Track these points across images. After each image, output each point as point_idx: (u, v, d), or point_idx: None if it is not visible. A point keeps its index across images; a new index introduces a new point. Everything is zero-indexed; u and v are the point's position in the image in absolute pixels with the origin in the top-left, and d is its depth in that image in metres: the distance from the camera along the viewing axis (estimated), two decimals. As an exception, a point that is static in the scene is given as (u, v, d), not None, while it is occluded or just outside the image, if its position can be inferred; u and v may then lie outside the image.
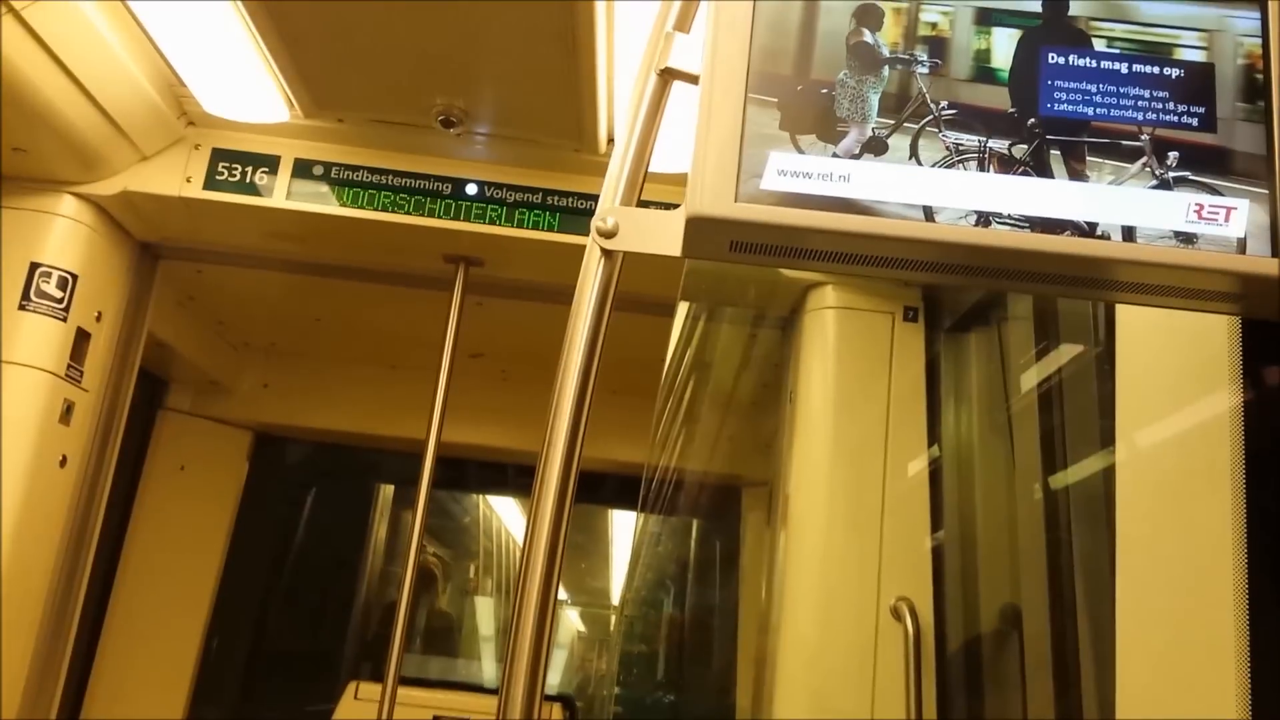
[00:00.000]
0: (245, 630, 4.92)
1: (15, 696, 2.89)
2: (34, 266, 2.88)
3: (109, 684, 4.25)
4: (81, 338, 2.99)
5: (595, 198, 1.16)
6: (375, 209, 2.97)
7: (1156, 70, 1.07)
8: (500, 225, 2.99)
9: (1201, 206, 1.03)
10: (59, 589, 3.04)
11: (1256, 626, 1.20)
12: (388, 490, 5.98)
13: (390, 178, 2.99)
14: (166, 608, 4.45)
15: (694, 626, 5.39)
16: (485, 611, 6.99)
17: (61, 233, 2.94)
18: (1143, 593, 1.42)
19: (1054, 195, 1.04)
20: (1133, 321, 1.52)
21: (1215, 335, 1.32)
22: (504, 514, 7.83)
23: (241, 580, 4.78)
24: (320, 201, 2.98)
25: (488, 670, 6.23)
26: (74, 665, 3.60)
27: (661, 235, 1.11)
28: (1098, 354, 2.20)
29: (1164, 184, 1.04)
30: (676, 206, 1.07)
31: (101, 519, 3.22)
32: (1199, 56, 1.07)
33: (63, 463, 2.97)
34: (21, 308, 2.85)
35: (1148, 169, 1.05)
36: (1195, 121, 1.05)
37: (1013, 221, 1.03)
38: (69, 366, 2.95)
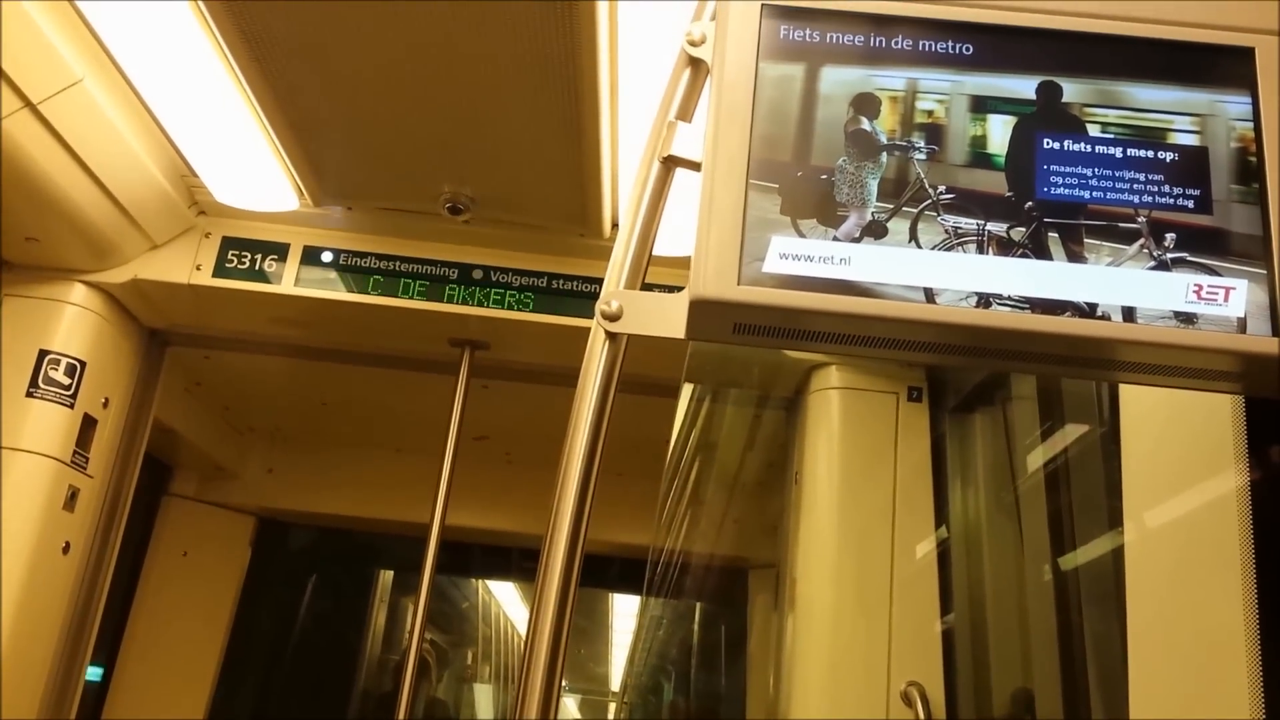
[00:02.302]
0: (245, 717, 4.83)
1: (10, 789, 2.84)
2: (43, 354, 2.90)
3: (108, 774, 4.16)
4: (88, 424, 3.00)
5: (600, 282, 1.18)
6: (382, 294, 3.00)
7: (1151, 154, 1.09)
8: (505, 310, 3.02)
9: (1200, 287, 1.04)
10: (59, 675, 3.00)
11: (1272, 706, 1.18)
12: (387, 576, 5.92)
13: (397, 264, 3.03)
14: (167, 694, 4.37)
15: (699, 714, 5.28)
16: (484, 699, 6.85)
17: (71, 320, 2.97)
18: (1156, 674, 1.40)
19: (1053, 277, 1.05)
20: (1137, 401, 1.52)
21: (1219, 413, 1.32)
22: (503, 599, 7.73)
23: (242, 666, 4.71)
24: (328, 288, 3.01)
25: (485, 760, 6.10)
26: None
27: (665, 318, 1.12)
28: (1103, 434, 2.19)
29: (1162, 265, 1.06)
30: (680, 290, 1.08)
31: (104, 605, 3.19)
32: (1192, 140, 1.09)
33: (66, 549, 2.95)
34: (29, 394, 2.86)
35: (1145, 250, 1.06)
36: (1191, 204, 1.07)
37: (1013, 303, 1.04)
38: (75, 453, 2.95)
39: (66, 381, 2.92)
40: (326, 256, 3.03)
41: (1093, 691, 2.14)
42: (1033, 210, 1.08)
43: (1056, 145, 1.09)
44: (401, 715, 3.02)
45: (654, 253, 1.20)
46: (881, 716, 2.63)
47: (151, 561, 4.46)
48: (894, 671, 2.67)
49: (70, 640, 3.04)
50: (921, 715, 2.56)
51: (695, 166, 1.13)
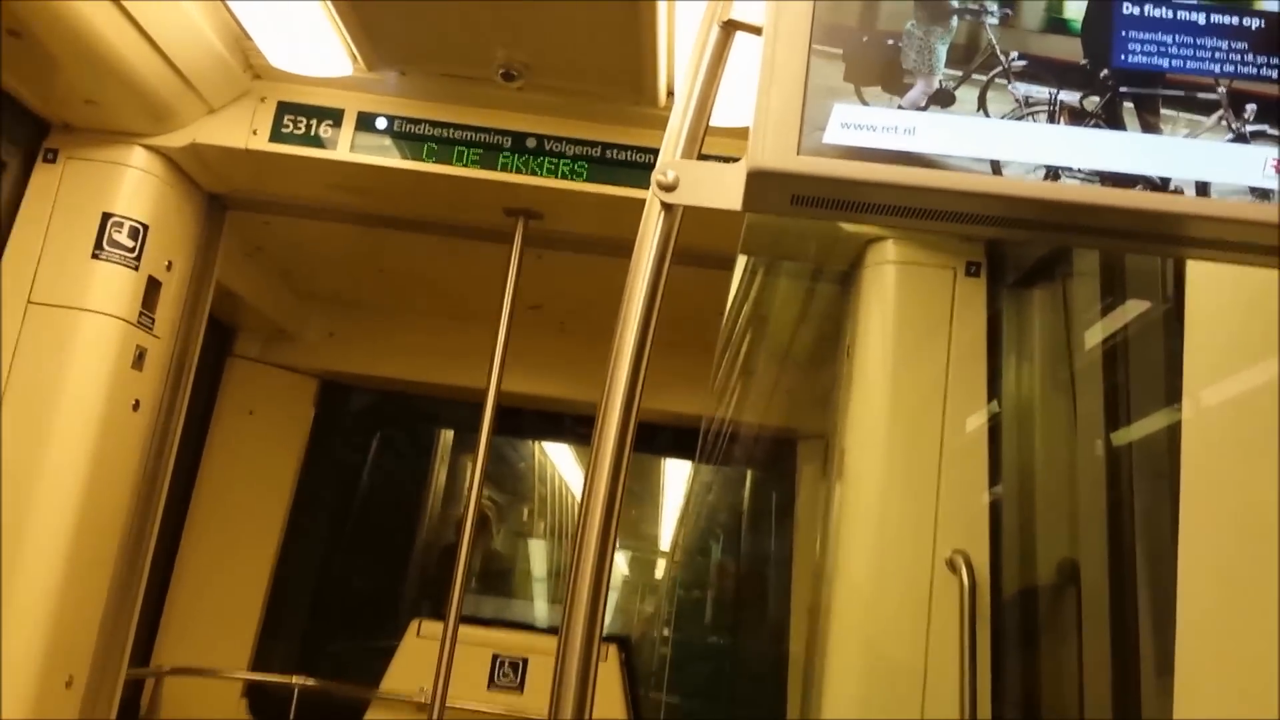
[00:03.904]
0: (311, 569, 5.05)
1: (92, 632, 3.02)
2: (106, 216, 2.95)
3: (181, 619, 4.42)
4: (153, 286, 3.07)
5: (655, 152, 1.17)
6: (437, 162, 2.99)
7: (1235, 21, 1.03)
8: (560, 179, 2.99)
9: (1279, 161, 1.00)
10: (133, 529, 3.15)
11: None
12: (448, 436, 6.08)
13: (451, 131, 3.00)
14: (236, 547, 4.59)
15: (748, 575, 5.43)
16: (538, 554, 7.10)
17: (132, 184, 3.01)
18: (1206, 550, 1.41)
19: (1126, 149, 1.02)
20: (1203, 277, 1.49)
21: (1289, 292, 1.29)
22: (557, 460, 7.91)
23: (308, 521, 4.91)
24: (383, 154, 3.01)
25: (540, 610, 6.34)
26: (147, 602, 3.73)
27: (722, 189, 1.10)
28: (1165, 310, 2.15)
29: (1240, 137, 1.02)
30: (737, 160, 1.06)
31: (173, 461, 3.32)
32: (1279, 6, 1.03)
33: (136, 406, 3.06)
34: (94, 256, 2.93)
35: (1224, 122, 1.02)
36: (1274, 74, 1.02)
37: (1083, 175, 1.02)
38: (141, 314, 3.02)
39: (130, 244, 2.98)
40: (381, 123, 3.01)
41: (1139, 565, 2.16)
42: (1108, 79, 1.03)
43: (1136, 10, 1.04)
44: (459, 568, 3.14)
45: (711, 122, 1.18)
46: (926, 582, 2.69)
47: (218, 420, 4.62)
48: (940, 539, 2.71)
49: (144, 493, 3.19)
50: (965, 581, 2.61)
51: (756, 31, 1.10)
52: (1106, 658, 2.26)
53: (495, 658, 4.39)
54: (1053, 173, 1.02)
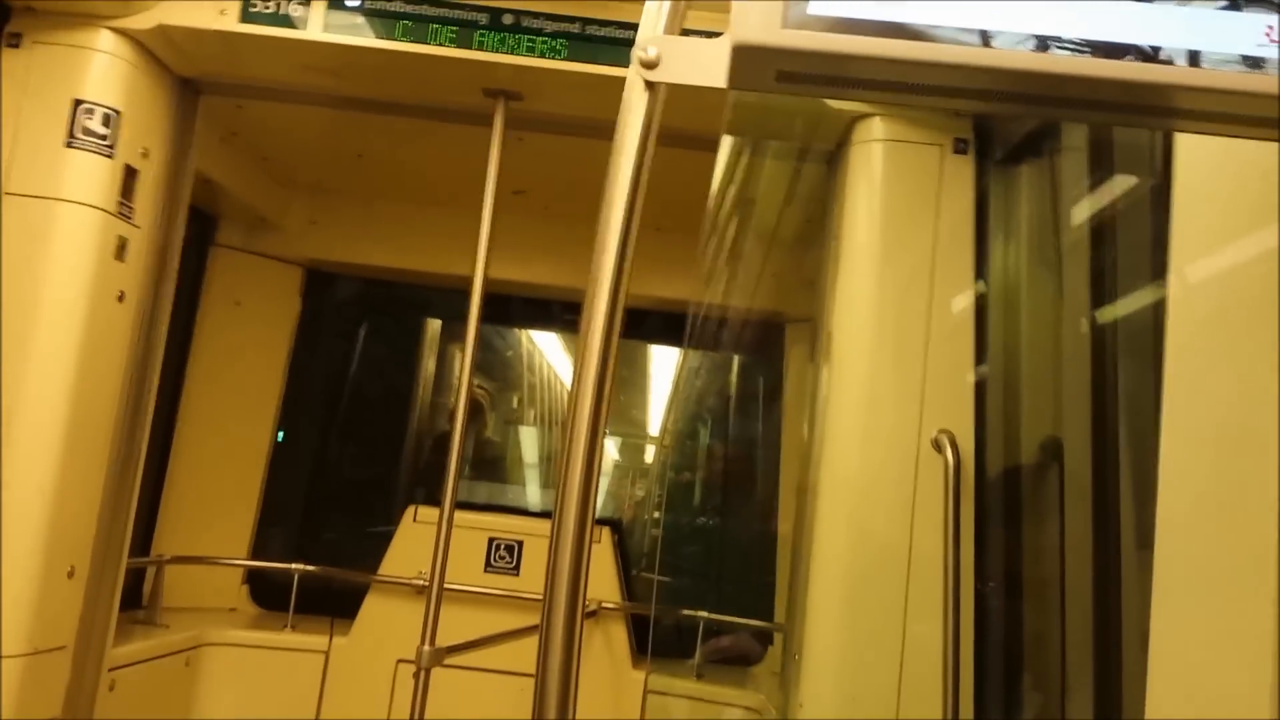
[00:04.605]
0: (307, 457, 5.09)
1: (90, 523, 3.06)
2: (77, 103, 2.88)
3: (180, 510, 4.47)
4: (130, 175, 3.01)
5: (636, 27, 1.13)
6: (412, 41, 2.91)
7: (1235, -122, 1.00)
8: (539, 57, 2.92)
9: (1272, 28, 0.98)
10: (125, 421, 3.16)
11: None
12: (435, 325, 6.07)
13: (425, 7, 2.92)
14: (230, 438, 4.62)
15: (737, 458, 5.51)
16: (530, 440, 7.17)
17: (101, 68, 2.92)
18: (1188, 425, 1.43)
19: (1117, 16, 0.99)
20: (1192, 152, 1.47)
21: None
22: (545, 348, 7.93)
23: (302, 409, 4.93)
24: (356, 34, 2.92)
25: (533, 495, 6.44)
26: (145, 494, 3.78)
27: (706, 66, 1.08)
28: (1154, 186, 2.14)
29: (1234, 4, 0.99)
30: (721, 35, 1.03)
31: (162, 351, 3.32)
32: None
33: (121, 298, 3.04)
34: (68, 145, 2.86)
35: (1218, -13, 0.99)
36: (1273, -65, 0.99)
37: (1073, 46, 0.99)
38: (120, 203, 2.98)
39: (103, 131, 2.91)
40: (353, 0, 2.92)
41: (1122, 442, 2.19)
42: (1102, -57, 1.00)
43: None
44: (454, 454, 3.18)
45: (694, -6, 1.15)
46: (912, 461, 2.73)
47: (205, 310, 4.59)
48: (926, 420, 2.74)
49: (134, 385, 3.19)
50: (950, 460, 2.65)
51: (739, -103, 1.05)
52: (1088, 532, 2.31)
53: (491, 541, 4.47)
54: (1042, 43, 0.99)
